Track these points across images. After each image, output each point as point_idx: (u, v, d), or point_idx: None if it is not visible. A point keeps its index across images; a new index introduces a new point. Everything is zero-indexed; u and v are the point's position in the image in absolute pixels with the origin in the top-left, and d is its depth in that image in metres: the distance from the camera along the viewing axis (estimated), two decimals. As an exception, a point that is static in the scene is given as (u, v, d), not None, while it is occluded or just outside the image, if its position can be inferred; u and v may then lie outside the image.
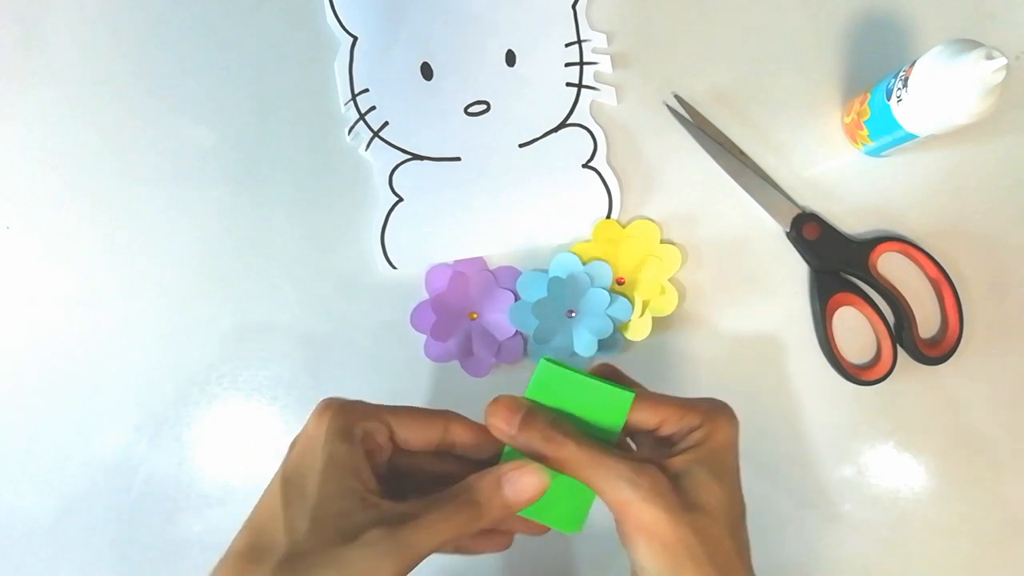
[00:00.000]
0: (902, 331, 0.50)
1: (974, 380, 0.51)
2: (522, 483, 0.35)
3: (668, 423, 0.36)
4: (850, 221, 0.51)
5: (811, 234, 0.50)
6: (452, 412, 0.38)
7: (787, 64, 0.52)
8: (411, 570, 0.34)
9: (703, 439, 0.36)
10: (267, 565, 0.32)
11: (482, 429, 0.37)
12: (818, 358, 0.51)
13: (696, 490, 0.34)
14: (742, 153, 0.50)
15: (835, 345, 0.50)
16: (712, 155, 0.51)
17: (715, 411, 0.38)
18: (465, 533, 0.35)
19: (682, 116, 0.51)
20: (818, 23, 0.52)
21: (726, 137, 0.51)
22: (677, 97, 0.51)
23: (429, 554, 0.34)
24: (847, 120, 0.51)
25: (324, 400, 0.37)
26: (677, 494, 0.34)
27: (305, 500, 0.34)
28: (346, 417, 0.36)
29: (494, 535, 0.39)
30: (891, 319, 0.50)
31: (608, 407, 0.37)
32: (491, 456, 0.37)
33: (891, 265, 0.51)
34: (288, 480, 0.35)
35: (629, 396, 0.37)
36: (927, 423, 0.51)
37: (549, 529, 0.37)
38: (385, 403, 0.37)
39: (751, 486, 0.52)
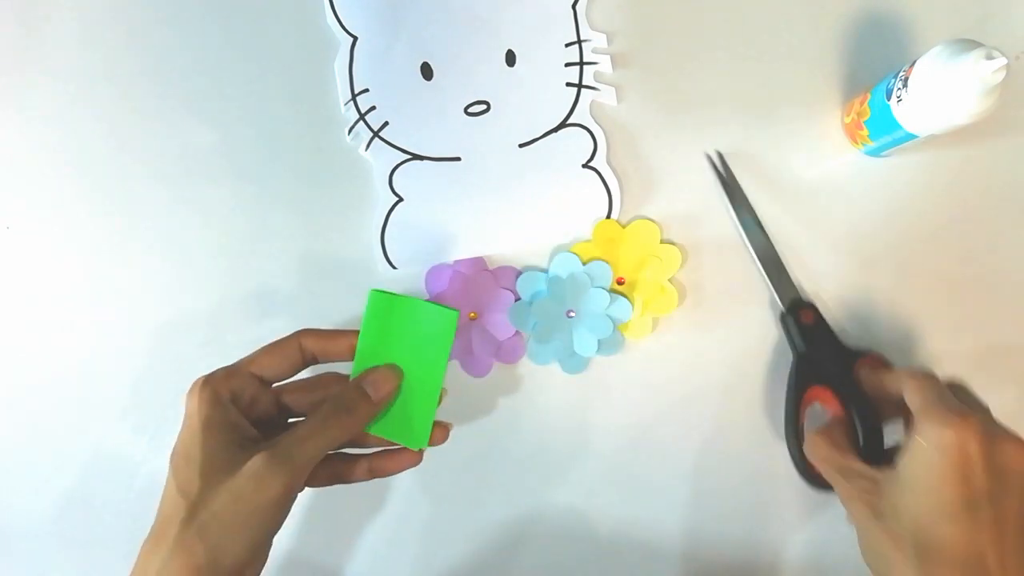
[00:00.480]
0: (870, 445, 0.45)
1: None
2: (379, 381, 0.42)
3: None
4: (858, 221, 0.52)
5: (807, 319, 0.49)
6: (301, 330, 0.43)
7: (787, 64, 0.52)
8: (301, 480, 0.39)
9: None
10: (173, 529, 0.37)
11: (329, 333, 0.43)
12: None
13: None
14: (763, 226, 0.51)
15: (801, 436, 0.49)
16: (737, 217, 0.51)
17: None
18: (343, 438, 0.40)
19: (719, 172, 0.51)
20: (818, 23, 0.52)
21: (751, 207, 0.51)
22: (719, 154, 0.51)
23: (312, 462, 0.39)
24: (847, 120, 0.51)
25: (194, 381, 0.41)
26: None
27: (191, 465, 0.38)
28: (212, 387, 0.40)
29: (397, 454, 0.44)
30: (862, 431, 0.45)
31: (437, 325, 0.42)
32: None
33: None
34: (174, 457, 0.40)
35: (454, 314, 0.42)
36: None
37: (415, 460, 0.44)
38: (243, 358, 0.42)
39: (752, 485, 0.52)
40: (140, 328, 0.53)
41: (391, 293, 0.43)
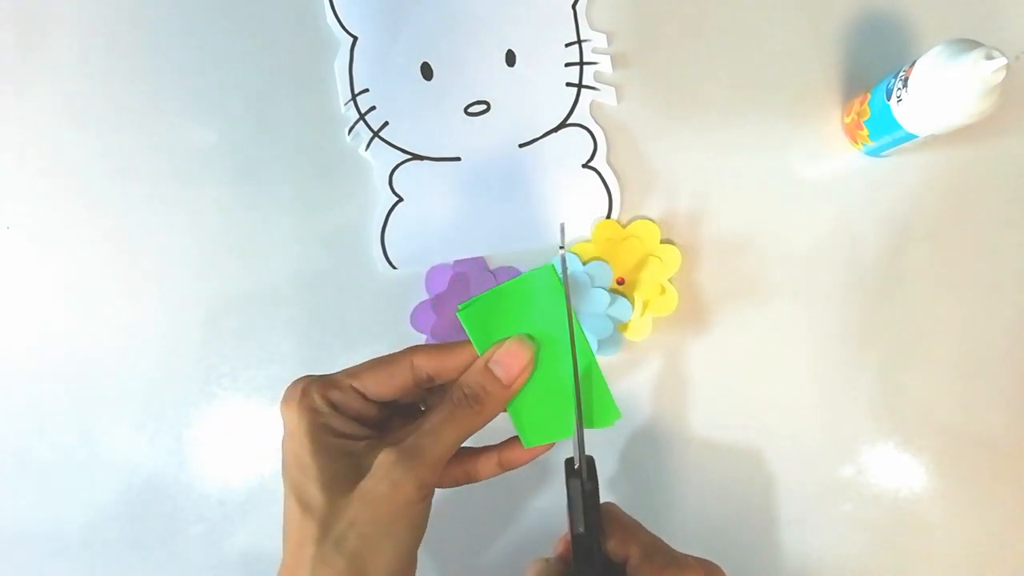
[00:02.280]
0: None
1: (975, 379, 0.51)
2: (507, 356, 0.35)
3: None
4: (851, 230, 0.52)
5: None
6: (413, 347, 0.37)
7: (787, 64, 0.52)
8: (435, 477, 0.34)
9: None
10: (308, 551, 0.33)
11: (443, 348, 0.37)
12: (818, 359, 0.51)
13: None
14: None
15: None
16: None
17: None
18: (472, 429, 0.35)
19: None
20: (818, 23, 0.52)
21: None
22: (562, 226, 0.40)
23: (444, 457, 0.34)
24: (847, 120, 0.51)
25: (288, 388, 0.37)
26: None
27: (308, 476, 0.34)
28: (310, 395, 0.36)
29: (497, 454, 0.38)
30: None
31: (543, 290, 0.36)
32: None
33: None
34: (286, 473, 0.36)
35: (550, 267, 0.36)
36: (927, 423, 0.51)
37: (548, 447, 0.37)
38: (343, 369, 0.37)
39: (752, 486, 0.52)
40: (140, 328, 0.53)
41: (476, 298, 0.37)
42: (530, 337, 0.36)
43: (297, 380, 0.37)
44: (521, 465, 0.38)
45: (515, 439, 0.37)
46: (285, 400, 0.36)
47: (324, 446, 0.35)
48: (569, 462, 0.36)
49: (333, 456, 0.34)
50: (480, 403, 0.35)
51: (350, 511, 0.33)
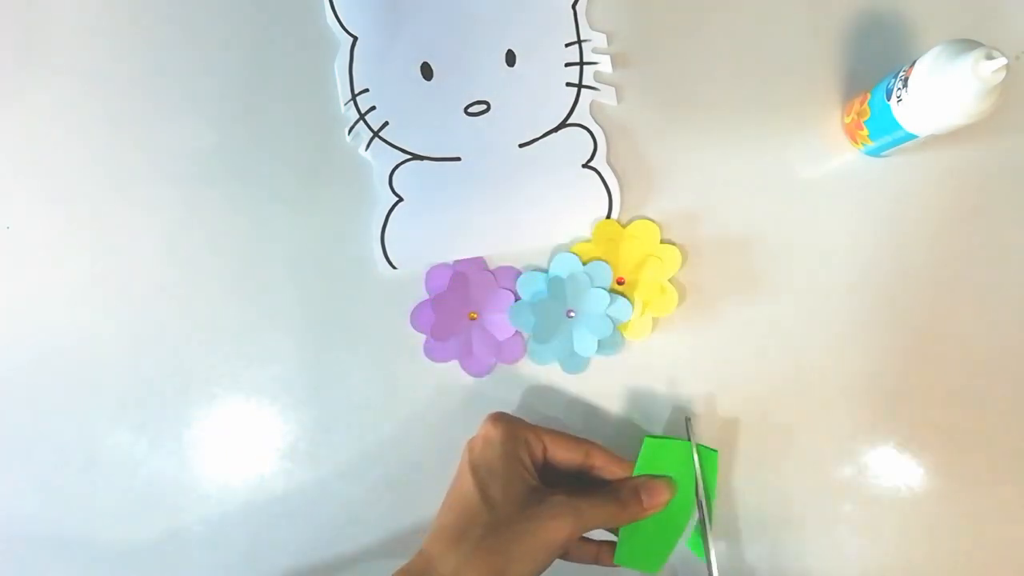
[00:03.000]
0: None
1: (976, 376, 0.51)
2: (656, 490, 0.46)
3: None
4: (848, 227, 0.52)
5: None
6: (594, 442, 0.47)
7: (787, 64, 0.52)
8: (578, 534, 0.43)
9: None
10: (476, 531, 0.41)
11: (618, 459, 0.47)
12: (818, 359, 0.51)
13: None
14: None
15: None
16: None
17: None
18: (610, 522, 0.45)
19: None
20: (818, 23, 0.52)
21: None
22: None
23: (589, 528, 0.43)
24: (847, 120, 0.51)
25: (493, 413, 0.47)
26: None
27: (496, 479, 0.43)
28: (514, 428, 0.45)
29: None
30: None
31: (702, 463, 0.47)
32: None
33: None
34: (477, 467, 0.44)
35: (714, 454, 0.47)
36: (927, 423, 0.51)
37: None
38: (536, 424, 0.47)
39: (752, 486, 0.52)
40: (140, 328, 0.53)
41: (661, 437, 0.47)
42: (674, 484, 0.46)
43: (503, 413, 0.47)
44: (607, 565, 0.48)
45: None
46: (493, 417, 0.46)
47: (511, 463, 0.44)
48: None
49: (514, 474, 0.44)
50: (622, 509, 0.45)
51: (520, 526, 0.41)
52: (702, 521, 0.47)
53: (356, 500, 0.53)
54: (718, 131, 0.52)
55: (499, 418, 0.46)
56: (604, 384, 0.52)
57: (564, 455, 0.46)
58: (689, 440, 0.47)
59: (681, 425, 0.50)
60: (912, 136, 0.45)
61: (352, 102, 0.53)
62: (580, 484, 0.47)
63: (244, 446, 0.53)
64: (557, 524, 0.42)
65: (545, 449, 0.46)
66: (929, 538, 0.51)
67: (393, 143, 0.53)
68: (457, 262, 0.52)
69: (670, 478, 0.46)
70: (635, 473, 0.47)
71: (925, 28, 0.52)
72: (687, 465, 0.47)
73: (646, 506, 0.45)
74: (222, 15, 0.54)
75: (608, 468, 0.46)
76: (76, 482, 0.53)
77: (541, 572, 0.42)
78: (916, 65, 0.43)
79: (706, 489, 0.47)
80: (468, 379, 0.52)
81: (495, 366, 0.52)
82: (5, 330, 0.54)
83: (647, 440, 0.47)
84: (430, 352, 0.52)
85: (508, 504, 0.42)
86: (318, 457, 0.53)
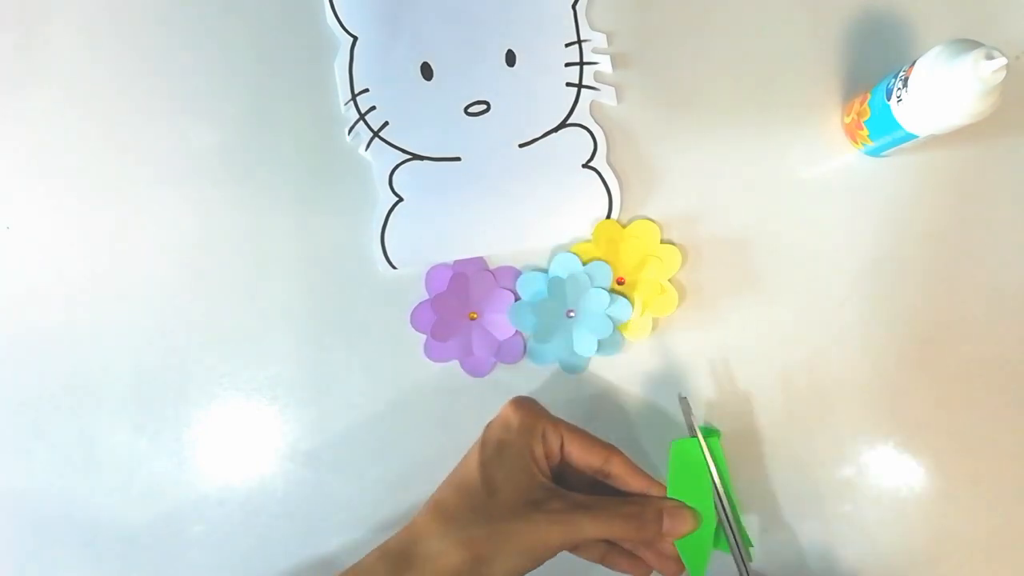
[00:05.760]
0: None
1: (976, 372, 0.51)
2: (680, 519, 0.43)
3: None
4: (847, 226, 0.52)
5: None
6: (615, 448, 0.45)
7: (787, 64, 0.52)
8: (567, 547, 0.41)
9: None
10: (468, 515, 0.40)
11: (638, 472, 0.44)
12: (818, 359, 0.51)
13: None
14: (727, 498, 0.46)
15: None
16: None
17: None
18: (620, 537, 0.44)
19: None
20: (818, 23, 0.52)
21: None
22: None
23: (587, 540, 0.42)
24: (847, 120, 0.51)
25: (517, 397, 0.45)
26: None
27: (503, 465, 0.42)
28: (534, 416, 0.44)
29: (638, 561, 0.45)
30: None
31: (708, 452, 0.45)
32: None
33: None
34: (486, 448, 0.43)
35: (715, 437, 0.45)
36: (927, 423, 0.51)
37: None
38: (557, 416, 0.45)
39: (752, 485, 0.52)
40: (140, 328, 0.53)
41: (684, 439, 0.46)
42: (699, 516, 0.44)
43: (526, 398, 0.45)
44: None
45: (624, 553, 0.45)
46: (516, 401, 0.44)
47: (522, 453, 0.42)
48: None
49: (523, 465, 0.42)
50: (637, 531, 0.42)
51: (512, 524, 0.40)
52: (722, 508, 0.45)
53: (356, 500, 0.53)
54: (718, 131, 0.52)
55: (521, 404, 0.44)
56: (604, 384, 0.52)
57: (582, 456, 0.44)
58: (690, 426, 0.46)
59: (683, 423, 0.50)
60: (912, 136, 0.45)
61: (352, 102, 0.53)
62: (596, 490, 0.45)
63: (244, 446, 0.53)
64: (550, 532, 0.40)
65: (563, 446, 0.44)
66: (929, 538, 0.51)
67: (393, 143, 0.53)
68: (457, 262, 0.52)
69: (696, 512, 0.44)
70: (668, 476, 0.45)
71: (925, 28, 0.52)
72: (698, 455, 0.45)
73: (665, 530, 0.43)
74: (222, 15, 0.54)
75: (625, 479, 0.44)
76: (76, 482, 0.53)
77: (527, 572, 0.41)
78: (916, 65, 0.43)
79: (721, 476, 0.45)
80: (468, 379, 0.52)
81: (495, 366, 0.52)
82: (5, 330, 0.54)
83: (673, 444, 0.46)
84: (430, 352, 0.52)
85: (508, 493, 0.41)
86: (318, 457, 0.53)
